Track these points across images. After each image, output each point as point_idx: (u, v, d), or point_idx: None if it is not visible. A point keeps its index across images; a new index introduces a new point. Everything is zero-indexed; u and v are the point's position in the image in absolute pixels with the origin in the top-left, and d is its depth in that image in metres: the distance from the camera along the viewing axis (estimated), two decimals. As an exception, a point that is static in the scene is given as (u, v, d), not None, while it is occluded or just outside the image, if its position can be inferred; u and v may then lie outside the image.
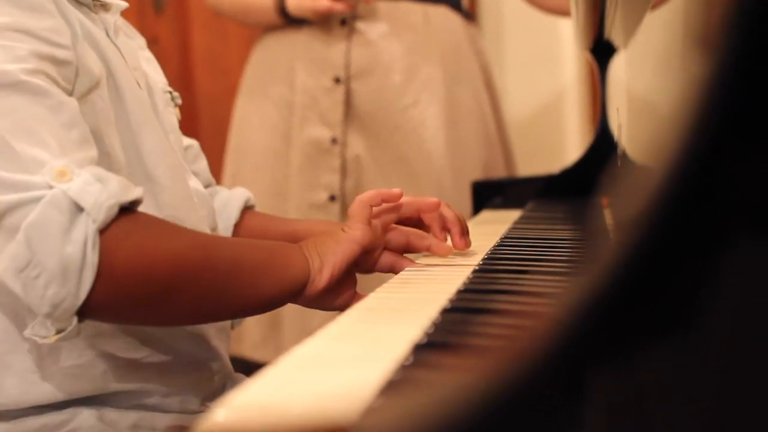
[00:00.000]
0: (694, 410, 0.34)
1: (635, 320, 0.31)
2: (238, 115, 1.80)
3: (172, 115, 0.90)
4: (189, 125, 2.29)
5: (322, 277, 0.78)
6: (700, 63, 0.29)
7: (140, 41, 0.93)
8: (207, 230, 0.86)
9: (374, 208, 0.85)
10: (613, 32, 1.17)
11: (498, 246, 0.93)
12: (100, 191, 0.64)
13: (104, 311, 0.69)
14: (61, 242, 0.62)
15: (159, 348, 0.80)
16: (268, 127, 1.72)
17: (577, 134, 2.34)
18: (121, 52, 0.81)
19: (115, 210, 0.64)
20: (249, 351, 1.75)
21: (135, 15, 2.28)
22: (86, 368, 0.75)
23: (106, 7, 0.82)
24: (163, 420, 0.80)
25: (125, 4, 0.85)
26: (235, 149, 1.79)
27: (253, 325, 1.73)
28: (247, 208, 0.99)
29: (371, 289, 0.75)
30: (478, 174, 1.67)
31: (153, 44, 0.97)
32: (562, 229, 1.09)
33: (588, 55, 1.46)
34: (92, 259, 0.63)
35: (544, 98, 2.39)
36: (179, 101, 0.94)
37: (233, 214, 0.97)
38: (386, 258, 0.87)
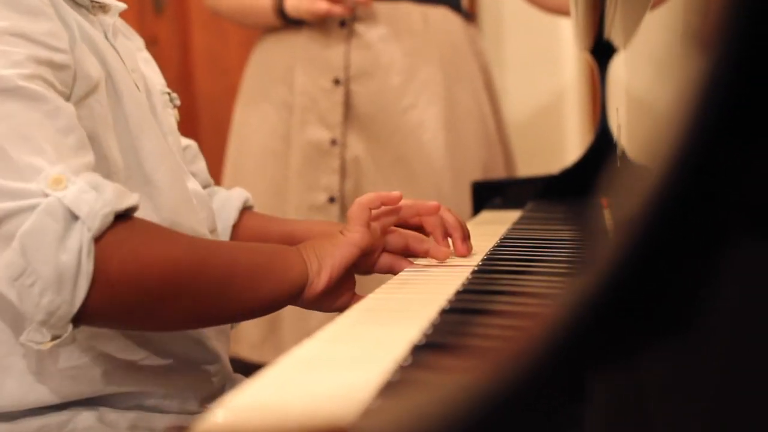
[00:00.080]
0: (694, 410, 0.34)
1: (635, 320, 0.31)
2: (238, 117, 1.80)
3: (170, 117, 0.90)
4: (189, 125, 2.29)
5: (320, 280, 0.78)
6: (697, 62, 0.29)
7: (138, 42, 0.93)
8: (206, 232, 0.86)
9: (373, 211, 0.84)
10: (613, 32, 1.17)
11: (497, 247, 0.92)
12: (96, 199, 0.64)
13: (99, 318, 0.69)
14: (56, 250, 0.62)
15: (158, 350, 0.80)
16: (267, 128, 1.72)
17: (577, 134, 2.34)
18: (119, 55, 0.81)
19: (111, 218, 0.64)
20: (247, 351, 1.75)
21: (135, 15, 2.28)
22: (85, 370, 0.75)
23: (104, 9, 0.82)
24: (162, 420, 0.80)
25: (123, 6, 0.85)
26: (235, 150, 1.79)
27: (251, 325, 1.73)
28: (245, 209, 0.99)
29: (370, 289, 0.75)
30: (477, 175, 1.67)
31: (153, 44, 0.97)
32: (562, 229, 1.09)
33: (588, 56, 1.46)
34: (87, 267, 0.63)
35: (543, 98, 2.39)
36: (178, 102, 0.93)
37: (231, 215, 0.97)
38: (385, 259, 0.87)
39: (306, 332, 1.54)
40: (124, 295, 0.66)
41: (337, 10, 1.59)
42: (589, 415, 0.37)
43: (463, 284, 0.72)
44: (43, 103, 0.67)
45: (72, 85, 0.72)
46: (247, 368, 1.37)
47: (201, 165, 1.00)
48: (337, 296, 0.82)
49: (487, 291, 0.71)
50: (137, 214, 0.69)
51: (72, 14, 0.75)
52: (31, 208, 0.62)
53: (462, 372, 0.37)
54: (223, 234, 0.96)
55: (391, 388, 0.46)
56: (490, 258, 0.85)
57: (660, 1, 0.65)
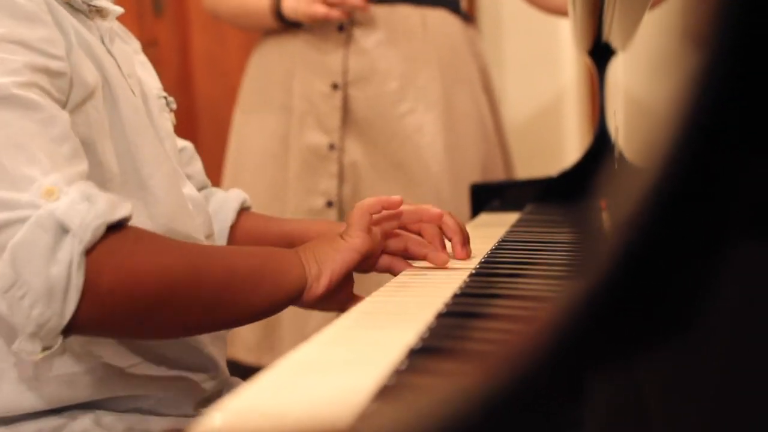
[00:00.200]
0: (693, 410, 0.34)
1: (635, 320, 0.31)
2: (238, 121, 1.80)
3: (167, 121, 0.90)
4: (188, 127, 2.29)
5: (319, 285, 0.78)
6: (693, 63, 0.29)
7: (135, 45, 0.93)
8: (202, 238, 0.85)
9: (375, 216, 0.85)
10: (612, 34, 1.17)
11: (495, 249, 0.93)
12: (87, 211, 0.64)
13: (91, 329, 0.69)
14: (46, 263, 0.62)
15: (154, 356, 0.80)
16: (266, 132, 1.72)
17: (576, 136, 2.34)
18: (116, 60, 0.81)
19: (102, 230, 0.64)
20: (244, 354, 1.75)
21: (134, 17, 2.28)
22: (80, 376, 0.75)
23: (102, 13, 0.82)
24: (160, 424, 0.80)
25: (121, 10, 0.85)
26: (235, 154, 1.79)
27: (248, 328, 1.73)
28: (243, 210, 0.99)
29: (369, 290, 0.75)
30: (476, 177, 1.67)
31: (152, 46, 0.98)
32: (560, 232, 1.09)
33: (586, 58, 1.46)
34: (77, 280, 0.63)
35: (543, 100, 2.39)
36: (174, 106, 0.93)
37: (229, 216, 0.97)
38: (384, 260, 0.87)
39: (304, 335, 1.54)
40: (116, 307, 0.66)
41: (335, 14, 1.59)
42: (589, 416, 0.37)
43: (461, 287, 0.72)
44: (38, 112, 0.67)
45: (68, 92, 0.72)
46: (245, 371, 1.36)
47: (197, 166, 1.00)
48: (335, 296, 0.82)
49: (485, 294, 0.71)
50: (132, 221, 0.69)
51: (69, 20, 0.75)
52: (23, 219, 0.63)
53: (459, 375, 0.37)
54: (221, 235, 0.96)
55: (387, 391, 0.46)
56: (488, 261, 0.86)
57: (658, 3, 0.66)
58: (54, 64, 0.70)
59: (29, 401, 0.74)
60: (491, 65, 1.91)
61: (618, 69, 1.15)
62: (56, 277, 0.62)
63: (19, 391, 0.74)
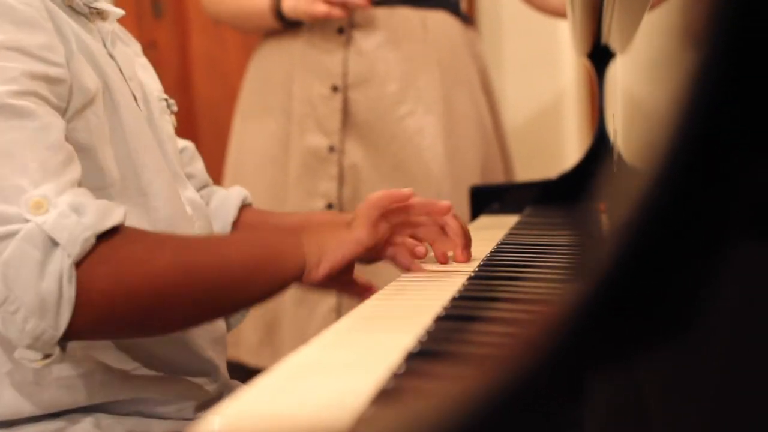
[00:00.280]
0: (693, 410, 0.34)
1: (635, 321, 0.31)
2: (238, 124, 1.80)
3: (168, 124, 0.90)
4: (188, 129, 2.29)
5: (318, 272, 0.78)
6: (691, 64, 0.29)
7: (136, 47, 0.93)
8: None
9: (383, 209, 0.84)
10: (611, 37, 1.17)
11: (494, 252, 0.92)
12: (76, 224, 0.64)
13: (87, 336, 0.70)
14: (36, 278, 0.62)
15: (153, 360, 0.80)
16: (266, 134, 1.72)
17: (576, 137, 2.33)
18: (117, 64, 0.81)
19: (92, 241, 0.64)
20: (246, 356, 1.74)
21: (134, 19, 2.28)
22: (81, 380, 0.75)
23: (102, 16, 0.82)
24: (160, 427, 0.80)
25: (121, 12, 0.85)
26: (235, 157, 1.79)
27: (250, 330, 1.73)
28: (244, 206, 1.00)
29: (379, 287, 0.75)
30: (476, 179, 1.67)
31: (152, 49, 0.98)
32: (560, 234, 1.09)
33: (586, 61, 1.46)
34: (69, 292, 0.63)
35: (542, 101, 2.39)
36: (175, 108, 0.94)
37: (231, 213, 0.98)
38: (389, 251, 0.86)
39: (305, 337, 1.54)
40: (111, 314, 0.67)
41: (336, 13, 1.59)
42: (589, 416, 0.37)
43: (459, 291, 0.72)
44: (31, 120, 0.67)
45: (68, 99, 0.72)
46: (246, 373, 1.36)
47: (199, 165, 1.01)
48: (335, 282, 0.82)
49: (483, 297, 0.71)
50: (129, 223, 0.69)
51: (70, 25, 0.75)
52: (11, 234, 0.63)
53: (456, 380, 0.37)
54: (223, 232, 0.97)
55: (385, 395, 0.46)
56: (487, 264, 0.86)
57: (657, 4, 0.66)
58: (53, 71, 0.70)
59: (29, 406, 0.74)
60: (491, 67, 1.91)
61: (617, 71, 1.15)
62: (47, 291, 0.63)
63: (19, 395, 0.74)
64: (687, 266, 0.30)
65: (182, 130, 0.96)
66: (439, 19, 1.71)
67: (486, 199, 1.47)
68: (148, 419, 0.79)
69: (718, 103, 0.29)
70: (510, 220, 1.23)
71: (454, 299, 0.69)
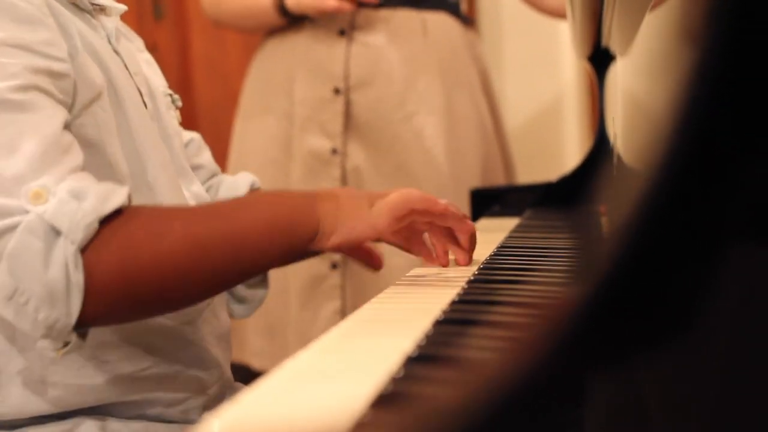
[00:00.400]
0: (694, 410, 0.34)
1: (635, 321, 0.31)
2: (239, 127, 1.80)
3: (173, 119, 0.90)
4: (188, 130, 2.28)
5: (328, 243, 0.78)
6: (690, 64, 0.29)
7: (139, 43, 0.93)
8: None
9: (415, 212, 0.82)
10: (611, 39, 1.17)
11: (494, 256, 0.92)
12: (76, 210, 0.64)
13: (102, 321, 0.69)
14: (42, 268, 0.62)
15: (159, 358, 0.80)
16: (268, 137, 1.72)
17: (577, 138, 2.33)
18: (122, 60, 0.81)
19: (95, 226, 0.64)
20: (250, 358, 1.74)
21: (134, 21, 2.28)
22: (87, 380, 0.75)
23: (105, 11, 0.82)
24: (166, 430, 0.80)
25: (124, 7, 0.85)
26: (236, 160, 1.79)
27: (255, 333, 1.73)
28: (252, 191, 1.00)
29: (381, 289, 0.75)
30: (477, 181, 1.67)
31: (152, 50, 0.98)
32: (560, 237, 1.09)
33: (586, 64, 1.46)
34: (77, 279, 0.63)
35: (543, 102, 2.39)
36: (180, 104, 0.94)
37: (240, 194, 0.98)
38: (398, 239, 0.84)
39: (309, 339, 1.53)
40: (124, 297, 0.67)
41: (347, 6, 1.58)
42: (589, 416, 0.37)
43: (459, 294, 0.72)
44: (32, 113, 0.67)
45: (74, 94, 0.72)
46: (251, 376, 1.36)
47: (206, 156, 1.02)
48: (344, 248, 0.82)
49: (483, 301, 0.71)
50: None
51: (74, 22, 0.75)
52: (13, 227, 0.63)
53: (454, 384, 0.37)
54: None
55: (384, 399, 0.46)
56: (487, 267, 0.85)
57: (657, 5, 0.66)
58: (56, 66, 0.70)
59: (36, 405, 0.74)
60: (491, 68, 1.92)
61: (617, 74, 1.15)
62: (54, 279, 0.63)
63: (26, 394, 0.74)
64: (687, 267, 0.30)
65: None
66: (440, 21, 1.71)
67: (486, 201, 1.47)
68: (155, 423, 0.79)
69: (718, 106, 0.29)
70: (510, 223, 1.23)
71: (453, 303, 0.69)
